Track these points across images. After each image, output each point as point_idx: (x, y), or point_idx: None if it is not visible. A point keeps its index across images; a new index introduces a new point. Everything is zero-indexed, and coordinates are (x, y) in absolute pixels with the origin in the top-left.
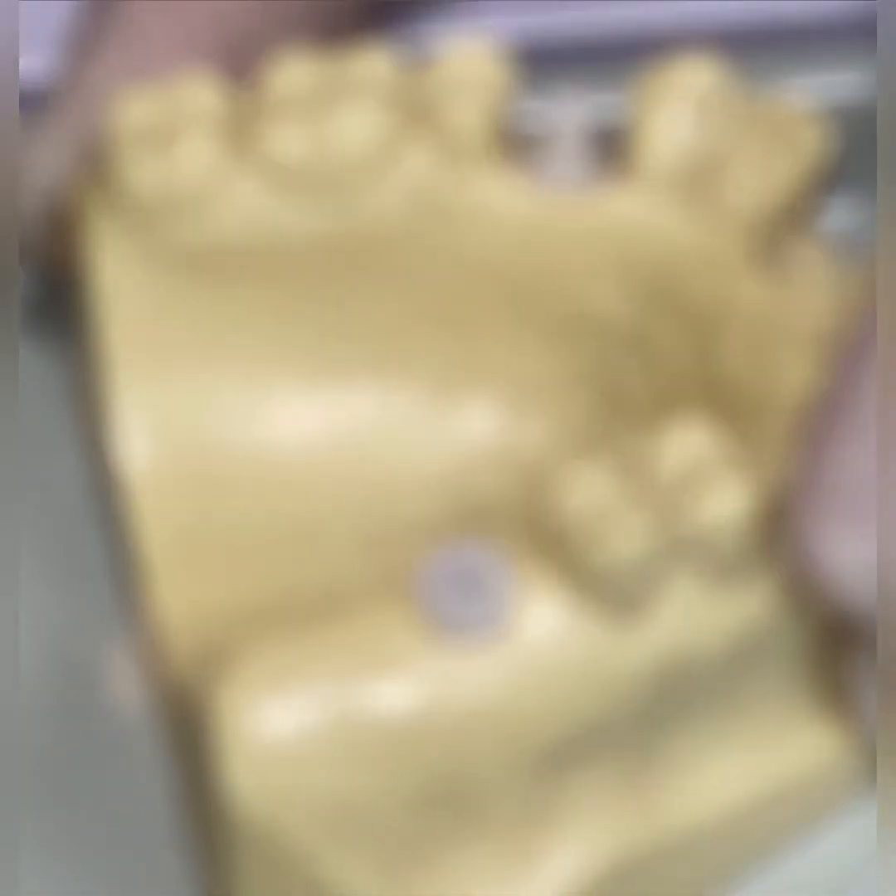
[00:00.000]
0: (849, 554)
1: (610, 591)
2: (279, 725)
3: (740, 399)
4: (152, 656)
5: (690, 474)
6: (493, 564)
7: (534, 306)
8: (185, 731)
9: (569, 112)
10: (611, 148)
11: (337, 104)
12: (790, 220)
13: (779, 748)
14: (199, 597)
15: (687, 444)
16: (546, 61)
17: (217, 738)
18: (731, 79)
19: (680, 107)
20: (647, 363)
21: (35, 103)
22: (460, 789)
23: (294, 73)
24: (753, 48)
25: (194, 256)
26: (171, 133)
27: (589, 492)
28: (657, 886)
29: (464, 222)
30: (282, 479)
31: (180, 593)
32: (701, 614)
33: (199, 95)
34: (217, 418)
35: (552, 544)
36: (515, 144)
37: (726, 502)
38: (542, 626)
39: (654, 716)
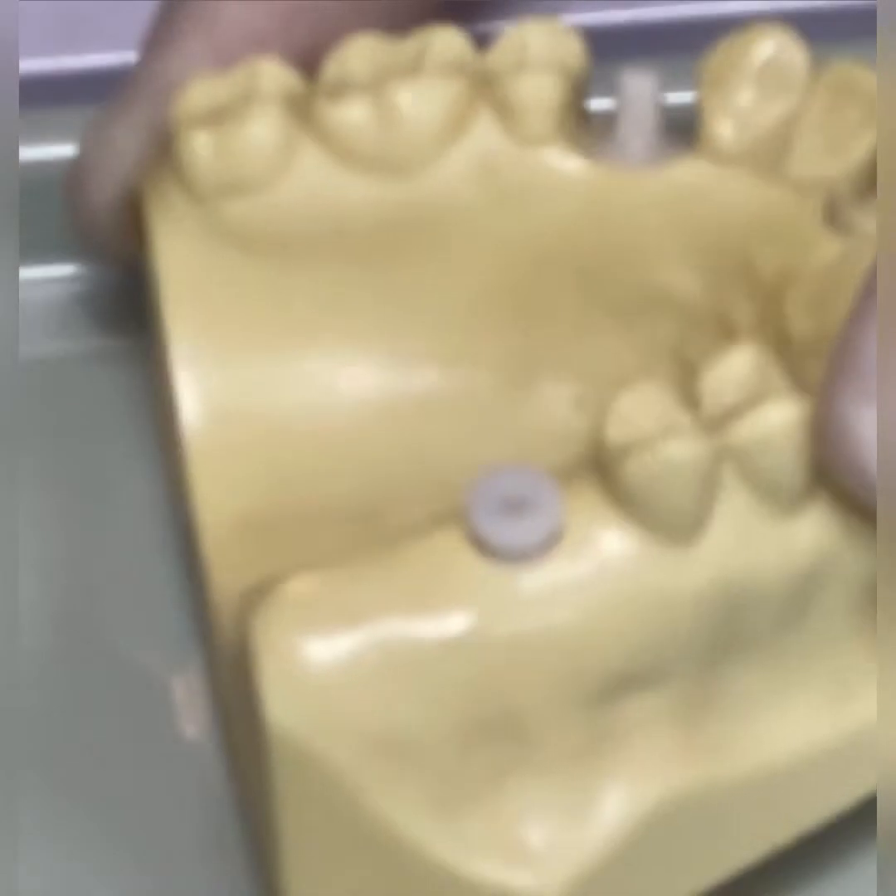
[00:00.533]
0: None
1: (660, 507)
2: (319, 650)
3: (801, 352)
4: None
5: (741, 393)
6: (542, 485)
7: (604, 282)
8: (239, 672)
9: (637, 84)
10: (679, 121)
11: (403, 78)
12: (858, 185)
13: (846, 698)
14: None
15: (739, 365)
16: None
17: (256, 663)
18: (799, 47)
19: (748, 76)
20: (718, 338)
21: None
22: (511, 722)
23: (360, 50)
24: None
25: (259, 233)
26: (236, 111)
27: (637, 408)
28: (710, 833)
29: (532, 196)
30: (344, 454)
31: (238, 568)
32: (757, 538)
33: (264, 74)
34: (281, 393)
35: (601, 461)
36: (584, 118)
37: (775, 416)
38: (594, 547)
39: (713, 650)
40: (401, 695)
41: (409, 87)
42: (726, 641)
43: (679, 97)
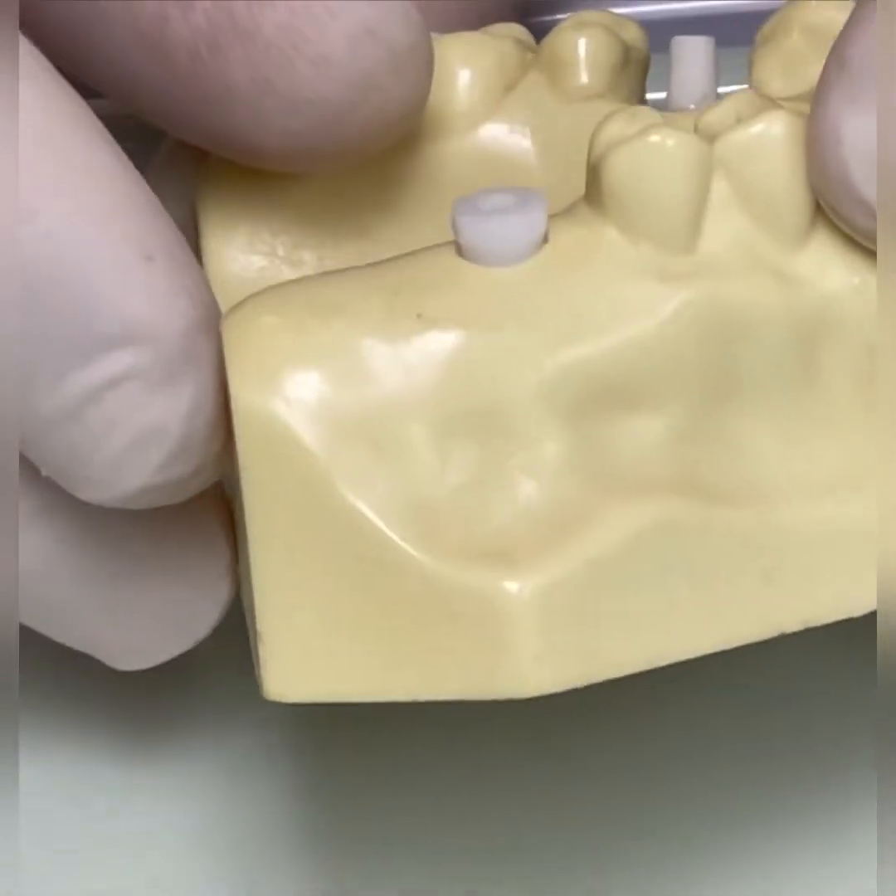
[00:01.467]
0: (872, 143)
1: (646, 205)
2: (292, 336)
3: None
4: None
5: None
6: (530, 197)
7: None
8: None
9: (691, 46)
10: None
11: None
12: None
13: (852, 485)
14: None
15: (733, 101)
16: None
17: (227, 348)
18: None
19: (798, 39)
20: None
21: None
22: (493, 421)
23: None
24: None
25: None
26: None
27: (627, 121)
28: (702, 583)
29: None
30: None
31: None
32: (752, 265)
33: None
34: None
35: (589, 167)
36: (639, 96)
37: (766, 125)
38: (579, 249)
39: (710, 387)
40: (376, 385)
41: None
42: (724, 381)
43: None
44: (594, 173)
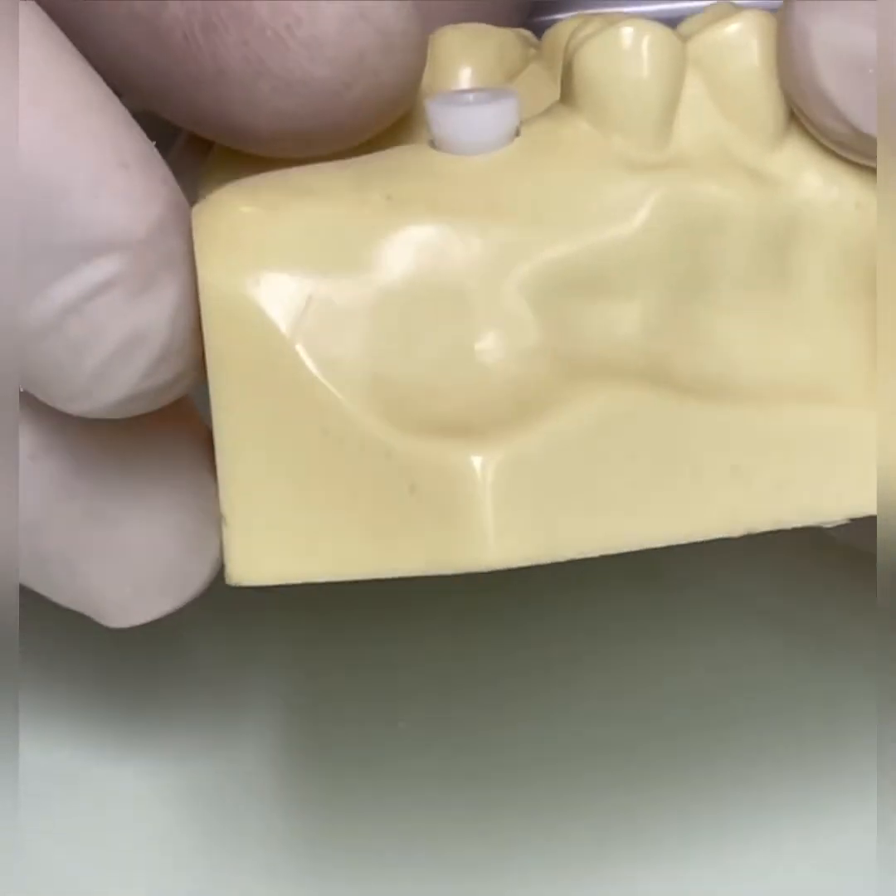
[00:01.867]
0: (839, 42)
1: (618, 95)
2: (259, 215)
3: None
4: None
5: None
6: (504, 92)
7: None
8: None
9: None
10: None
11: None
12: None
13: (828, 394)
14: None
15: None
16: None
17: (195, 229)
18: None
19: None
20: None
21: None
22: (456, 301)
23: None
24: None
25: None
26: None
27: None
28: (670, 471)
29: None
30: None
31: None
32: (725, 160)
33: None
34: None
35: (564, 65)
36: None
37: (740, 24)
38: (552, 139)
39: (682, 278)
40: (344, 265)
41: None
42: (696, 276)
43: None
44: (567, 69)
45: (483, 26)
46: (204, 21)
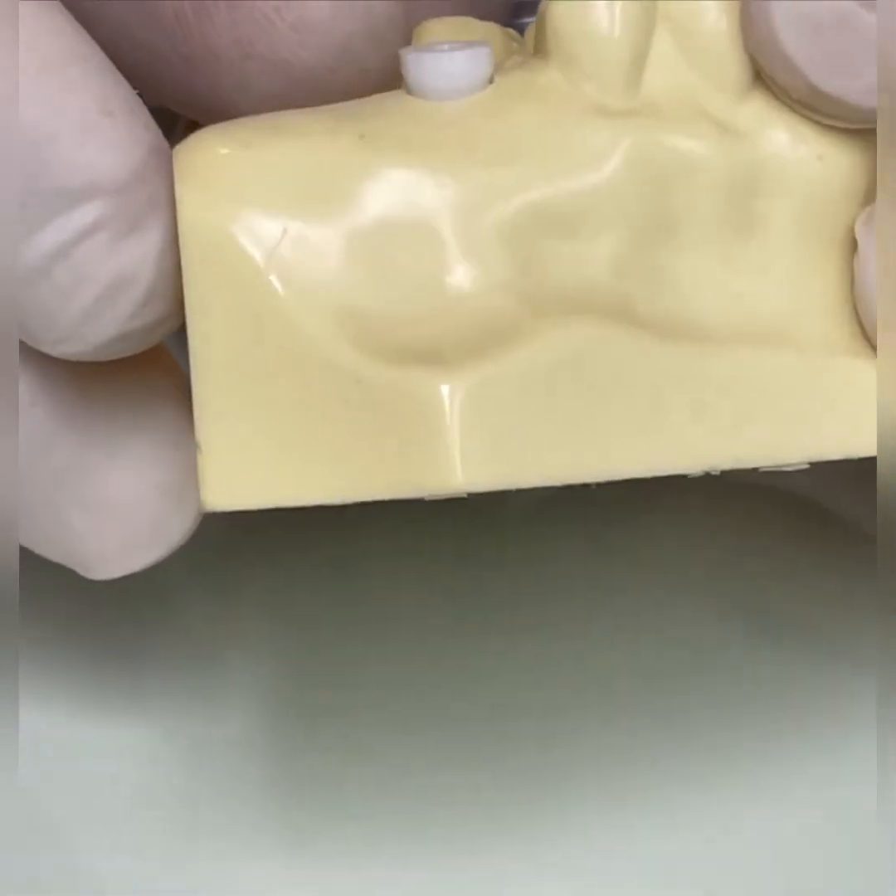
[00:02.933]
0: (797, 5)
1: (590, 48)
2: (237, 155)
3: None
4: None
5: None
6: (478, 43)
7: None
8: None
9: None
10: None
11: None
12: None
13: (787, 341)
14: None
15: None
16: None
17: (176, 173)
18: None
19: None
20: None
21: None
22: (427, 234)
23: None
24: None
25: None
26: None
27: None
28: (634, 404)
29: None
30: None
31: None
32: (692, 109)
33: None
34: None
35: (538, 23)
36: None
37: None
38: (523, 81)
39: (648, 221)
40: (318, 200)
41: None
42: (662, 221)
43: None
44: (540, 22)
45: (467, 19)
46: (196, 5)
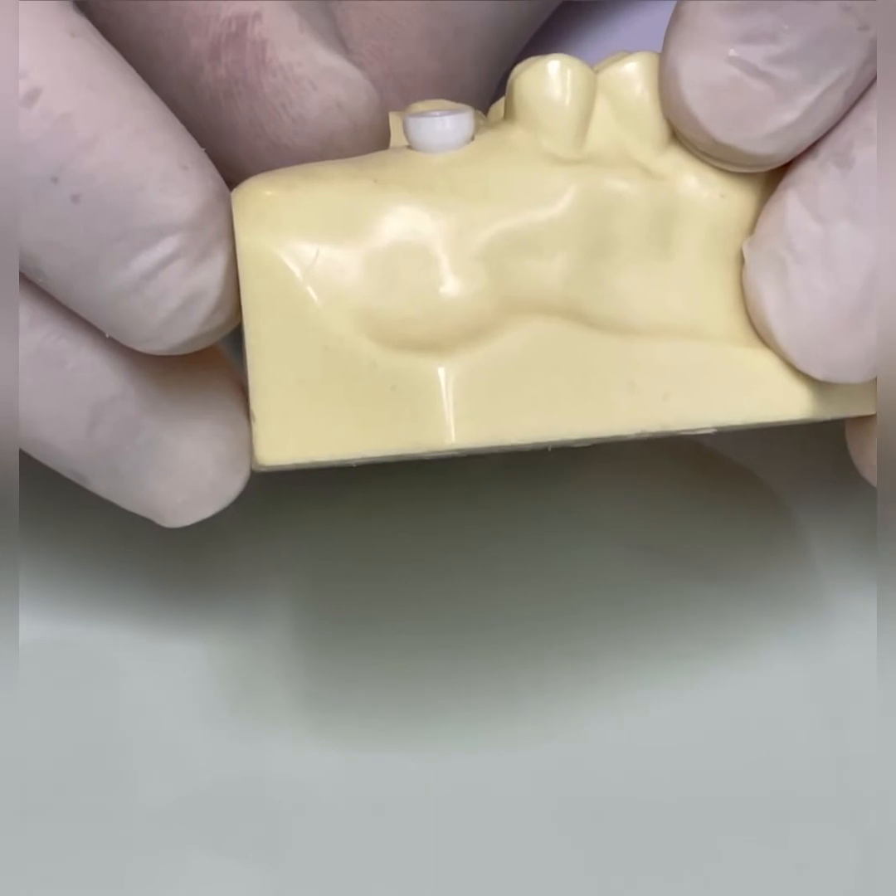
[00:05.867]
0: (699, 75)
1: (546, 110)
2: (286, 197)
3: None
4: None
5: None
6: (464, 111)
7: None
8: None
9: None
10: None
11: None
12: None
13: (699, 334)
14: None
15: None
16: None
17: (234, 207)
18: None
19: None
20: None
21: None
22: (430, 260)
23: None
24: None
25: None
26: None
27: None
28: (592, 382)
29: None
30: None
31: None
32: (625, 159)
33: None
34: None
35: (507, 92)
36: None
37: (635, 62)
38: (497, 142)
39: (593, 244)
40: (344, 229)
41: None
42: (603, 244)
43: None
44: (509, 92)
45: (446, 103)
46: (227, 90)
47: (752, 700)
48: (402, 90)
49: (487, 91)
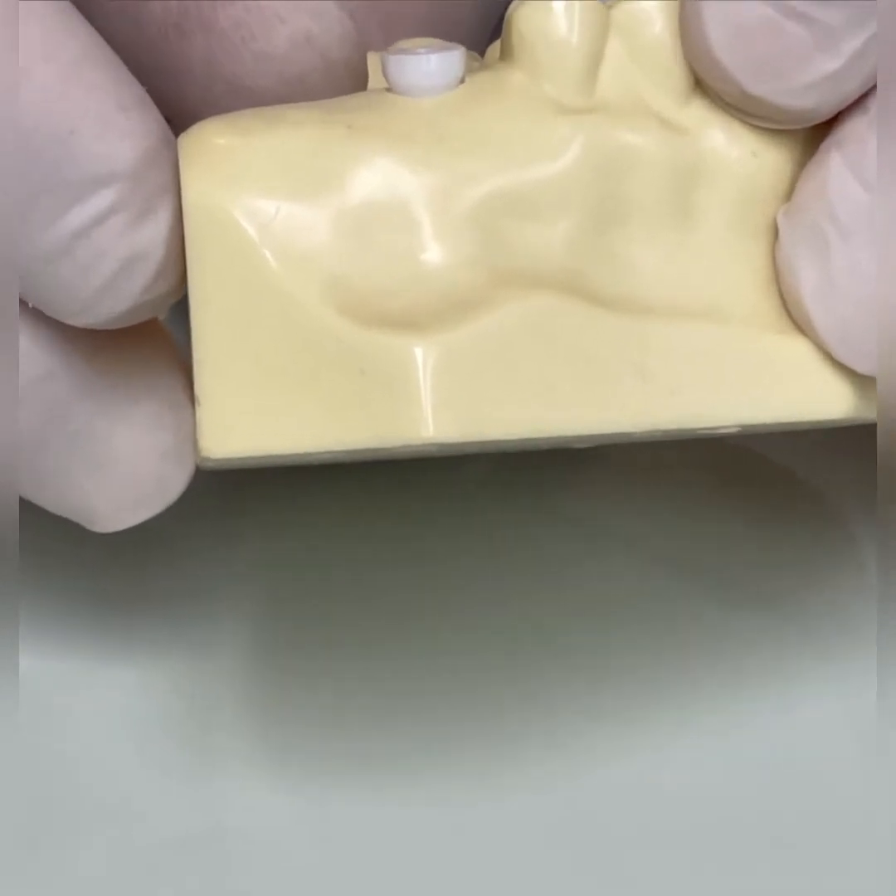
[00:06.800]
0: (726, 15)
1: (549, 50)
2: (236, 143)
3: None
4: None
5: None
6: (452, 46)
7: None
8: None
9: None
10: None
11: None
12: None
13: (722, 318)
14: None
15: None
16: None
17: (180, 159)
18: None
19: None
20: None
21: None
22: (411, 221)
23: None
24: None
25: None
26: None
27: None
28: (588, 370)
29: None
30: None
31: None
32: (641, 110)
33: None
34: None
35: (504, 28)
36: None
37: (649, 2)
38: (491, 84)
39: (601, 209)
40: (308, 181)
41: None
42: (613, 208)
43: None
44: (506, 28)
45: (434, 40)
46: (177, 23)
47: (786, 742)
48: (385, 28)
49: (484, 30)
